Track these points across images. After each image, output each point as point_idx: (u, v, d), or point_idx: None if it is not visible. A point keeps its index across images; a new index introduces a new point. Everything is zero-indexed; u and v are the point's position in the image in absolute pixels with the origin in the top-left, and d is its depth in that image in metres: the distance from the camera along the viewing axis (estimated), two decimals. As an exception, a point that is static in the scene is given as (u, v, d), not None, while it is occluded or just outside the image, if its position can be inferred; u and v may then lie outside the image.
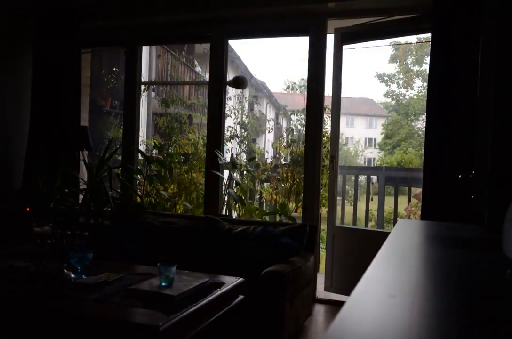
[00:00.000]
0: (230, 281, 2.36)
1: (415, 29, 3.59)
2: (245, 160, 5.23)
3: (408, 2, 3.43)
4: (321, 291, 3.84)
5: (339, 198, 4.25)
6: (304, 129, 4.08)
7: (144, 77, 7.41)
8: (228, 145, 5.81)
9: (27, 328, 2.02)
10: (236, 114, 6.05)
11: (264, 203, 5.60)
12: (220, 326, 2.31)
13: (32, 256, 2.59)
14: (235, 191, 4.43)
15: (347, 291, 3.65)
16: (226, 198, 4.34)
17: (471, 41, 2.92)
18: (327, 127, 4.52)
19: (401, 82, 22.81)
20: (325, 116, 4.05)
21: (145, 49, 7.35)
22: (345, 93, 3.83)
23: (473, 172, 1.71)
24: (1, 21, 4.11)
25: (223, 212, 4.16)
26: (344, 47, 3.86)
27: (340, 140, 4.00)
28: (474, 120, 2.57)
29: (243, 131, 6.09)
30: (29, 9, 4.25)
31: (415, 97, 22.68)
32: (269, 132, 7.02)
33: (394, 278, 0.97)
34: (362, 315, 0.72)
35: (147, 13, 4.05)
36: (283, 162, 5.70)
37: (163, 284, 2.09)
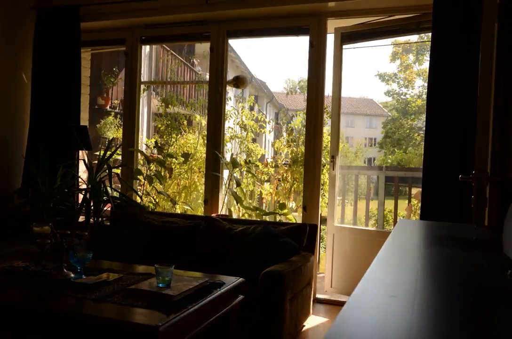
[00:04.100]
0: (230, 281, 2.36)
1: (416, 29, 3.59)
2: (245, 160, 5.23)
3: (408, 1, 3.42)
4: (321, 291, 3.84)
5: (339, 198, 4.25)
6: (304, 129, 4.08)
7: (144, 77, 7.41)
8: (228, 145, 5.80)
9: (27, 328, 2.02)
10: (236, 114, 6.04)
11: (264, 203, 5.59)
12: (220, 326, 2.31)
13: (32, 256, 2.59)
14: (235, 191, 4.43)
15: (347, 291, 3.66)
16: (226, 198, 4.34)
17: (471, 40, 2.92)
18: (327, 126, 4.52)
19: (401, 81, 22.81)
20: (325, 116, 4.04)
21: (145, 49, 7.35)
22: (345, 93, 3.84)
23: (473, 172, 1.71)
24: (1, 21, 4.11)
25: (223, 212, 4.16)
26: (344, 46, 3.86)
27: (340, 140, 4.00)
28: (474, 120, 2.56)
29: (243, 131, 6.08)
30: (29, 9, 4.25)
31: (415, 96, 22.69)
32: (269, 132, 7.01)
33: (394, 278, 0.96)
34: (362, 315, 0.72)
35: (147, 12, 4.05)
36: (283, 162, 5.69)
37: (161, 285, 2.09)
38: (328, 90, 3.87)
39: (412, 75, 21.85)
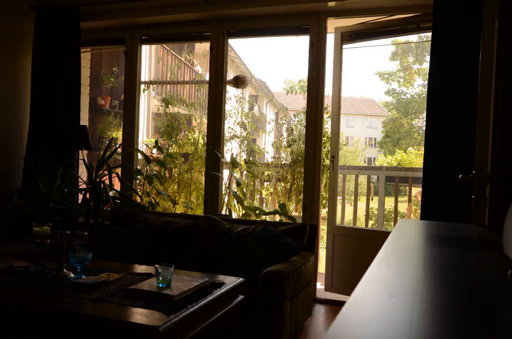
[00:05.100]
0: (230, 281, 2.36)
1: (416, 29, 3.59)
2: (245, 160, 5.22)
3: (408, 1, 3.42)
4: (321, 291, 3.84)
5: (339, 197, 4.25)
6: (304, 128, 4.08)
7: (144, 77, 7.41)
8: (228, 145, 5.80)
9: (27, 328, 2.02)
10: (236, 114, 6.04)
11: (264, 203, 5.59)
12: (220, 326, 2.31)
13: (32, 256, 2.59)
14: (235, 191, 4.43)
15: (347, 291, 3.66)
16: (226, 198, 4.34)
17: (472, 39, 2.92)
18: (327, 126, 4.52)
19: (401, 80, 22.85)
20: (325, 116, 4.04)
21: (145, 49, 7.34)
22: (345, 92, 3.84)
23: (473, 171, 1.71)
24: (1, 20, 4.11)
25: (223, 212, 4.16)
26: (344, 46, 3.86)
27: (340, 140, 4.00)
28: (474, 119, 2.56)
29: (243, 131, 6.08)
30: (28, 8, 4.24)
31: (415, 95, 22.72)
32: (269, 132, 7.01)
33: (394, 278, 0.96)
34: (363, 315, 0.72)
35: (147, 12, 4.05)
36: (283, 162, 5.68)
37: (161, 285, 2.08)
38: (328, 90, 3.87)
39: (412, 74, 21.87)
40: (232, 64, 10.71)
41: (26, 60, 4.30)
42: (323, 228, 5.07)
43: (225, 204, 4.32)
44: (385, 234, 1.46)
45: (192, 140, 5.96)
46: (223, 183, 4.19)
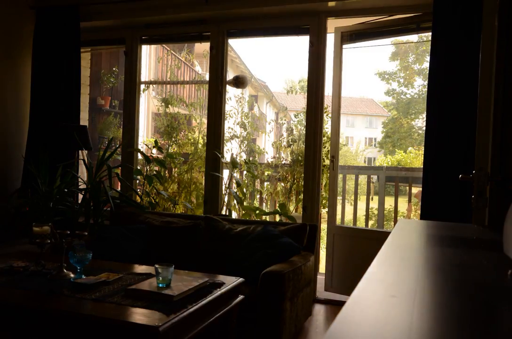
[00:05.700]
0: (230, 281, 2.36)
1: (416, 28, 3.59)
2: (245, 160, 5.22)
3: (408, 1, 3.42)
4: (321, 291, 3.84)
5: (339, 197, 4.25)
6: (304, 128, 4.08)
7: (144, 77, 7.41)
8: (228, 145, 5.80)
9: (26, 328, 2.02)
10: (236, 114, 6.04)
11: (264, 203, 5.59)
12: (220, 326, 2.31)
13: (32, 256, 2.59)
14: (235, 191, 4.42)
15: (347, 291, 3.65)
16: (226, 198, 4.34)
17: (472, 39, 2.92)
18: (327, 126, 4.52)
19: (401, 80, 22.86)
20: (325, 116, 4.04)
21: (145, 49, 7.35)
22: (345, 92, 3.83)
23: (473, 171, 1.71)
24: (0, 20, 4.11)
25: (223, 212, 4.16)
26: (344, 46, 3.86)
27: (340, 140, 4.00)
28: (475, 119, 2.56)
29: (242, 131, 6.08)
30: (28, 8, 4.24)
31: (415, 95, 22.74)
32: (270, 131, 7.02)
33: (394, 278, 0.96)
34: (363, 315, 0.72)
35: (147, 12, 4.05)
36: (283, 162, 5.68)
37: (161, 285, 2.08)
38: (328, 90, 3.87)
39: (412, 74, 21.88)
40: (232, 64, 10.71)
41: (26, 60, 4.30)
42: (323, 228, 5.07)
43: (225, 204, 4.32)
44: (385, 234, 1.46)
45: (192, 140, 5.96)
46: (223, 183, 4.19)
